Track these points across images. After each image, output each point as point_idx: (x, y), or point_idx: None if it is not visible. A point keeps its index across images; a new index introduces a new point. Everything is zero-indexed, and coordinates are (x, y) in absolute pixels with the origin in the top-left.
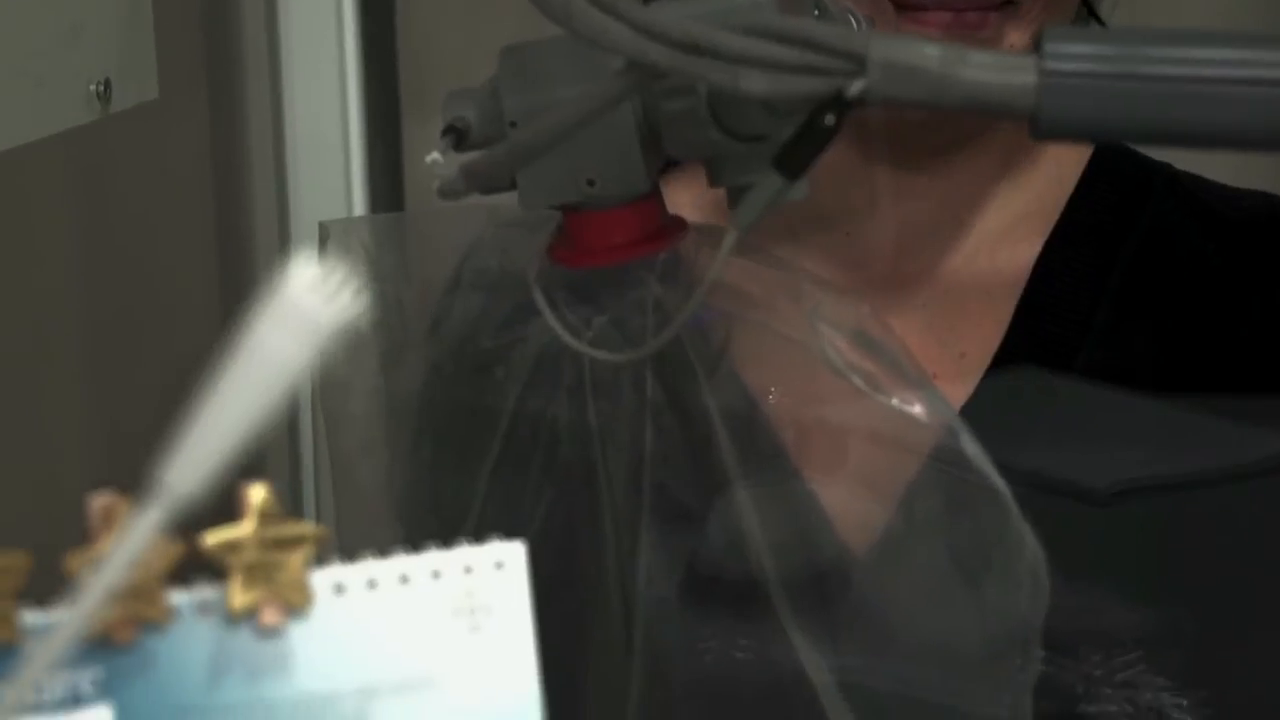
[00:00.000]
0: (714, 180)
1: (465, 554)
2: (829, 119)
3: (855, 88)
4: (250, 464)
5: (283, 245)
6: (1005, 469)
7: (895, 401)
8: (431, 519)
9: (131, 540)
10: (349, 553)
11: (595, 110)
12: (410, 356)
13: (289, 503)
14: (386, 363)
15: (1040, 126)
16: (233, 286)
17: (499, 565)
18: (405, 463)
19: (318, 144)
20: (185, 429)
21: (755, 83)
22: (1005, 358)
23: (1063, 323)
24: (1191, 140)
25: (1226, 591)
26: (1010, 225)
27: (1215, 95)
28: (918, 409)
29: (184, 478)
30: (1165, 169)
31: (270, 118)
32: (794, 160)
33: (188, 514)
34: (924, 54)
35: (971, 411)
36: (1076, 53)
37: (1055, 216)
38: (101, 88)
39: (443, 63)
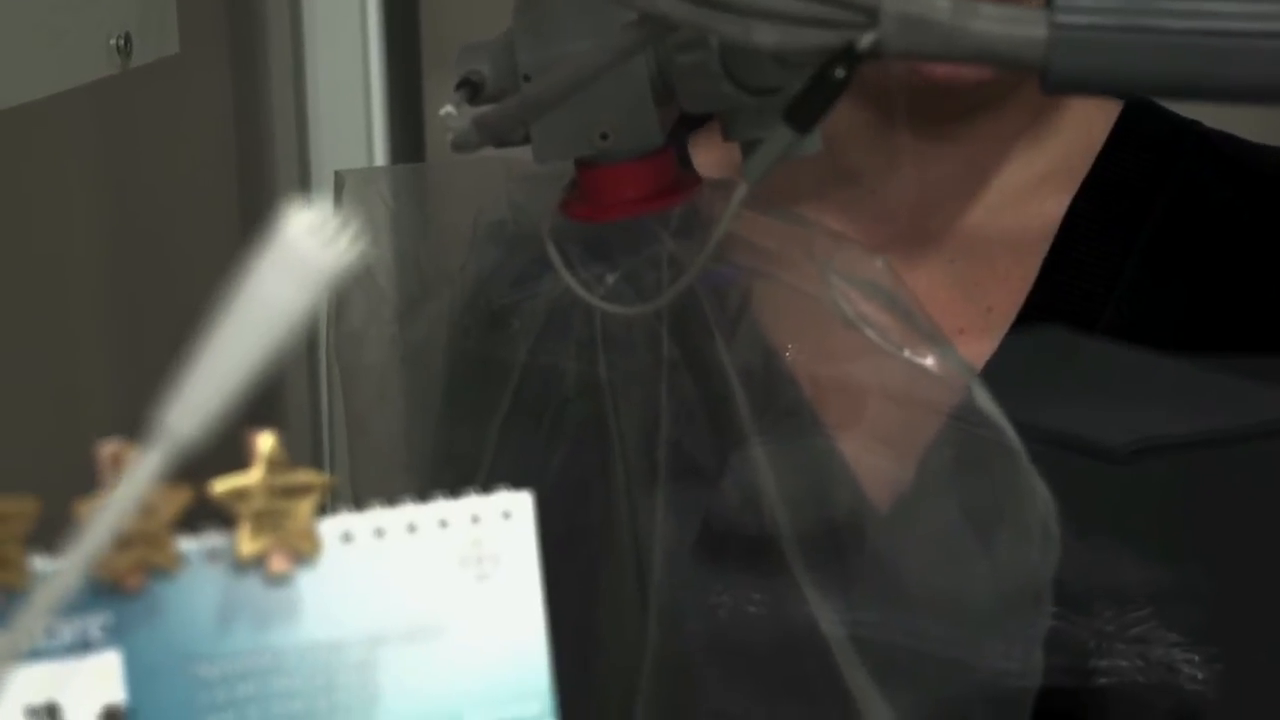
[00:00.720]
0: (728, 134)
1: (473, 503)
2: (840, 72)
3: (866, 40)
4: (270, 414)
5: (304, 199)
6: (1025, 426)
7: (908, 354)
8: (445, 470)
9: (133, 483)
10: (363, 503)
11: (607, 64)
12: (424, 309)
13: (310, 453)
14: (401, 314)
15: (1050, 80)
16: (255, 240)
17: (506, 515)
18: (419, 414)
19: (339, 98)
20: (186, 373)
21: (766, 35)
22: (1031, 313)
23: (1090, 278)
24: (1204, 93)
25: (1241, 549)
26: (1037, 181)
27: (1227, 48)
28: (930, 362)
29: (185, 421)
30: (1195, 126)
31: (291, 72)
32: (804, 113)
33: (195, 460)
34: (935, 6)
35: (995, 368)
36: (1087, 5)
37: (1083, 173)
38: (121, 42)
39: (464, 15)
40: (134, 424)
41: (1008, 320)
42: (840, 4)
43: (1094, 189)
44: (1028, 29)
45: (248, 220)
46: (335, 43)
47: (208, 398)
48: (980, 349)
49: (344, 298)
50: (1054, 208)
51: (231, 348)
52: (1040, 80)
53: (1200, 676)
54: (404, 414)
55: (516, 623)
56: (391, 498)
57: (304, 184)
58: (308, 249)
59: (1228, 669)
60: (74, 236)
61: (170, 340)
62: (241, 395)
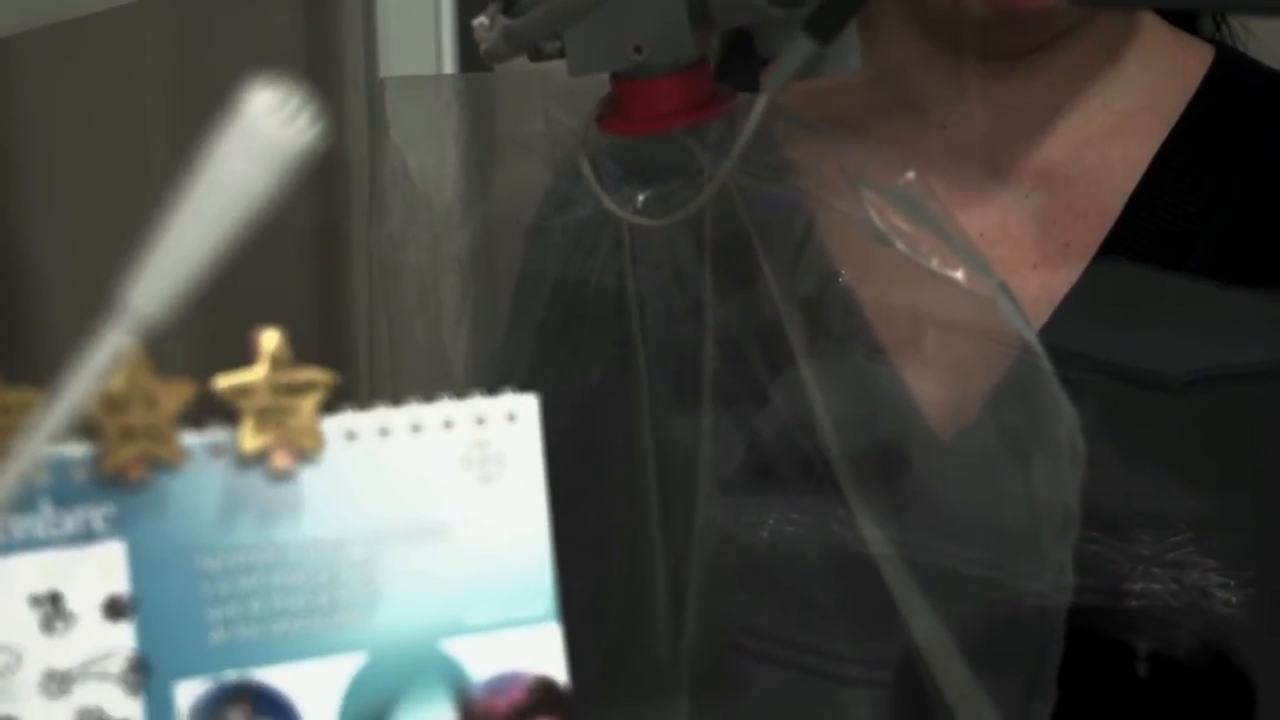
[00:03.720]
0: (760, 49)
1: (478, 405)
2: None
3: None
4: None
5: (373, 110)
6: (1086, 356)
7: (936, 265)
8: (481, 378)
9: (96, 358)
10: (403, 402)
11: None
12: (462, 217)
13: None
14: (440, 219)
15: None
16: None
17: (512, 417)
18: (457, 319)
19: (408, 7)
20: (148, 252)
21: None
22: (1111, 250)
23: (1176, 222)
24: (1230, 3)
25: None
26: (1120, 122)
27: None
28: (960, 274)
29: (147, 299)
30: None
31: None
32: (825, 24)
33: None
34: None
35: (1072, 302)
36: None
37: (1173, 117)
38: None
39: None
40: (191, 346)
41: (1085, 257)
42: None
43: (1186, 133)
44: None
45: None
46: None
47: (169, 276)
48: (1056, 284)
49: (383, 199)
50: (1138, 149)
51: (193, 227)
52: None
53: (1234, 601)
54: (443, 318)
55: (520, 525)
56: (431, 398)
57: (371, 94)
58: (269, 128)
59: (1261, 594)
60: (143, 146)
61: (234, 254)
62: (202, 273)
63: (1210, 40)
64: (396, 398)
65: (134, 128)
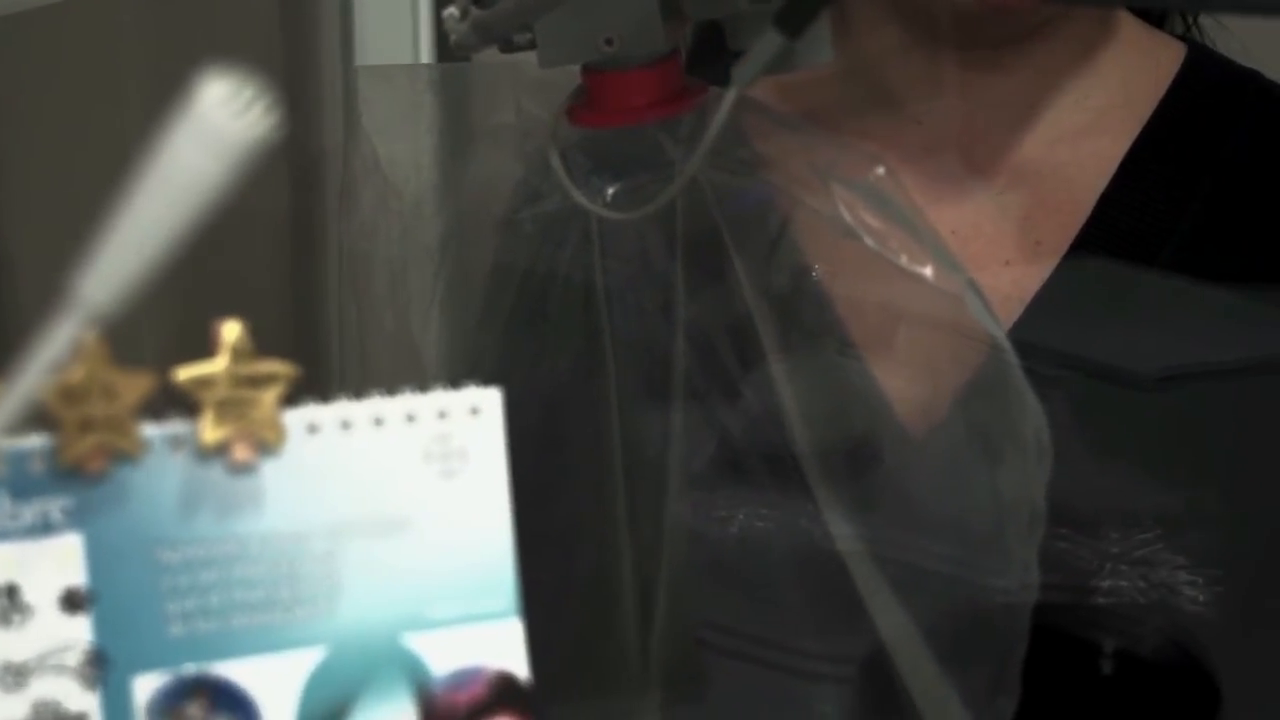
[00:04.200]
0: (732, 42)
1: (441, 398)
2: None
3: None
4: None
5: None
6: (1057, 352)
7: (905, 261)
8: (454, 368)
9: (48, 349)
10: (373, 392)
11: None
12: (432, 208)
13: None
14: (410, 210)
15: None
16: (297, 140)
17: (475, 411)
18: (427, 310)
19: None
20: (100, 242)
21: None
22: (1083, 247)
23: (1147, 219)
24: (1201, 2)
25: (1257, 477)
26: (1094, 119)
27: None
28: (929, 270)
29: (98, 289)
30: (1257, 76)
31: None
32: (795, 18)
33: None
34: None
35: (1044, 298)
36: None
37: (1145, 114)
38: None
39: None
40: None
41: (1057, 254)
42: None
43: (1158, 131)
44: None
45: (290, 121)
46: None
47: (122, 267)
48: (1028, 281)
49: (354, 189)
50: (1110, 146)
51: (145, 217)
52: None
53: (1201, 599)
54: (413, 308)
55: (482, 519)
56: (397, 390)
57: (349, 84)
58: (221, 119)
59: (1229, 592)
60: (118, 137)
61: (208, 237)
62: (155, 264)
63: (1182, 38)
64: (366, 388)
65: (108, 116)
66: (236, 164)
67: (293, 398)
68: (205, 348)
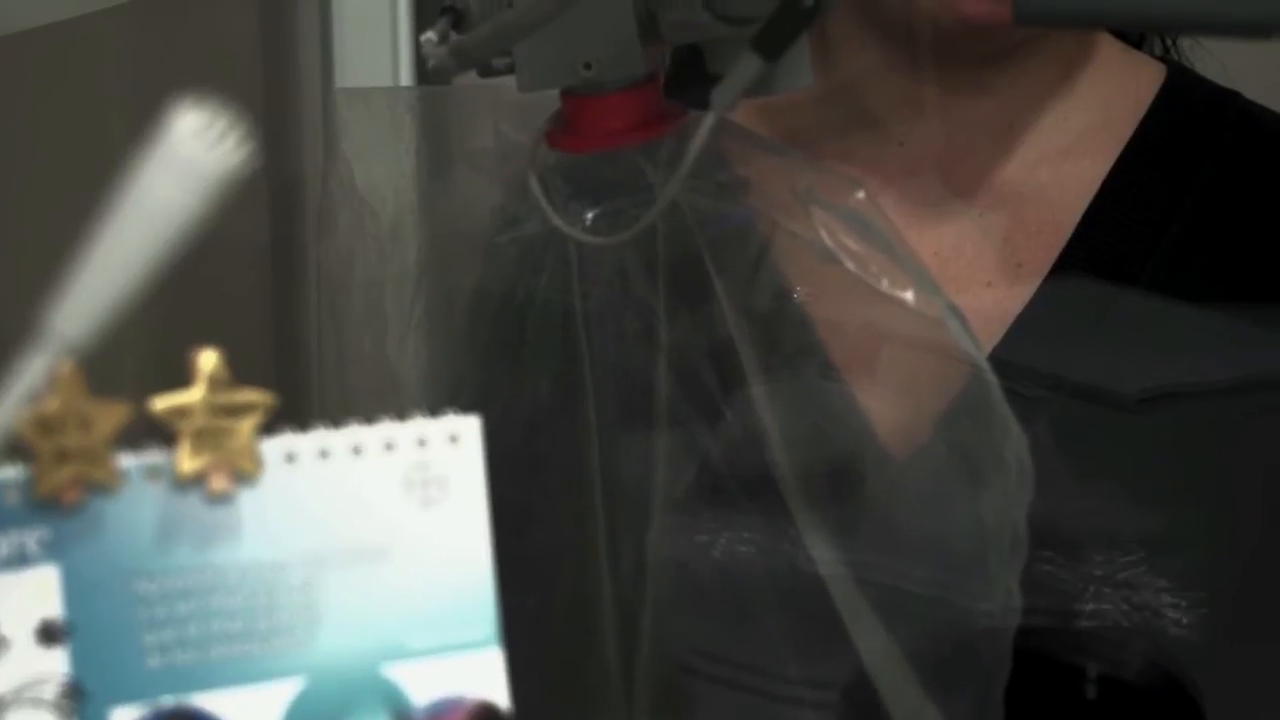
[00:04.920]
0: (711, 65)
1: (419, 426)
2: (809, 0)
3: None
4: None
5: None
6: (1039, 373)
7: (886, 285)
8: (434, 394)
9: (22, 382)
10: (349, 419)
11: None
12: (410, 233)
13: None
14: (387, 234)
15: (1022, 8)
16: (277, 168)
17: (454, 439)
18: (405, 336)
19: (365, 21)
20: (73, 275)
21: None
22: (1064, 269)
23: (1129, 240)
24: (1174, 26)
25: (1240, 498)
26: (1074, 140)
27: None
28: (909, 294)
29: (72, 323)
30: (1236, 97)
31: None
32: (772, 41)
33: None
34: None
35: (1027, 320)
36: None
37: (1126, 134)
38: None
39: None
40: (153, 369)
41: (1039, 275)
42: None
43: (1139, 151)
44: None
45: (271, 145)
46: None
47: (95, 300)
48: (1009, 303)
49: (332, 212)
50: (1091, 167)
51: (118, 250)
52: (1013, 9)
53: (1184, 621)
54: (390, 333)
55: (462, 548)
56: (380, 416)
57: (328, 108)
58: (194, 150)
59: (1212, 615)
60: (100, 161)
61: (190, 268)
62: (128, 297)
63: (1161, 59)
64: (345, 412)
65: (90, 140)
66: (210, 195)
67: (271, 425)
68: (183, 373)
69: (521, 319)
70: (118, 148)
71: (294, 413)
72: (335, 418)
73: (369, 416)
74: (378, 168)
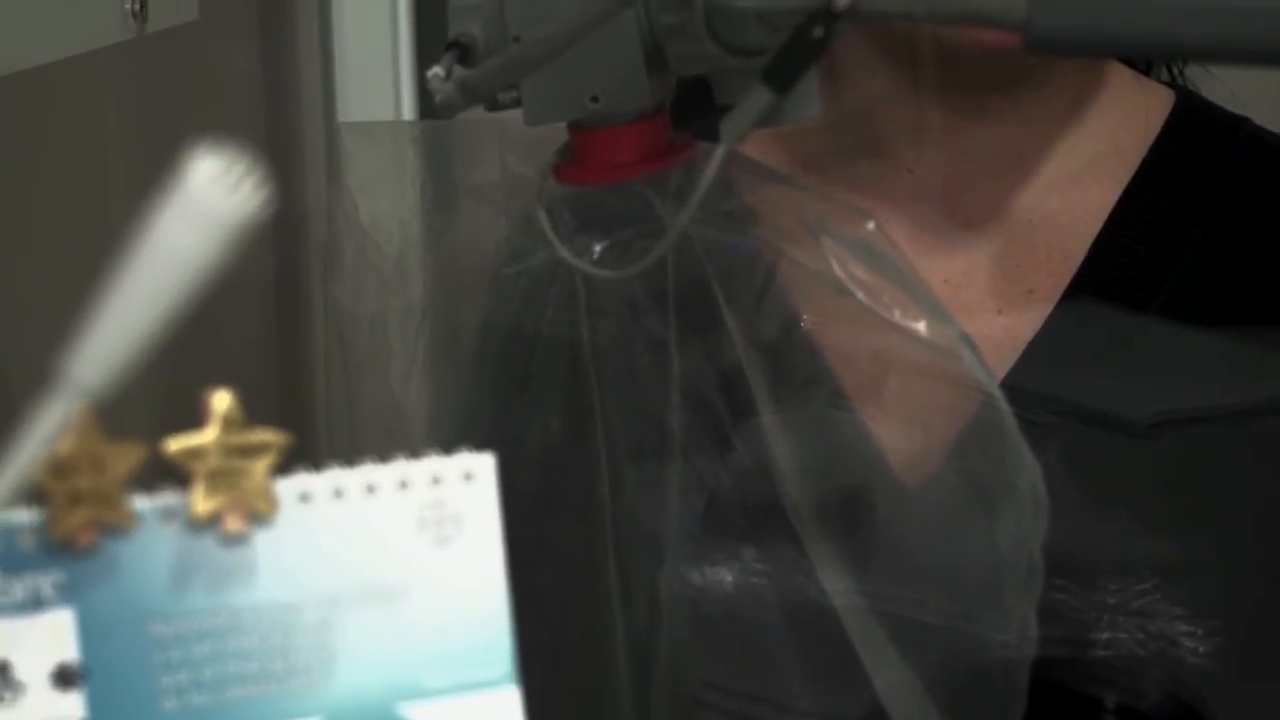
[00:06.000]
0: (719, 96)
1: (434, 465)
2: (818, 31)
3: (843, 0)
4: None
5: (332, 155)
6: (1050, 399)
7: (898, 316)
8: (442, 430)
9: (39, 431)
10: (367, 458)
11: (588, 25)
12: (416, 267)
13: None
14: (394, 268)
15: (1032, 39)
16: (281, 204)
17: (468, 477)
18: (412, 371)
19: (366, 62)
20: (90, 322)
21: None
22: (1075, 296)
23: (1139, 266)
24: (1184, 53)
25: (1253, 524)
26: (1084, 167)
27: (1210, 7)
28: (922, 325)
29: (89, 371)
30: (1246, 123)
31: (319, 35)
32: (782, 73)
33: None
34: None
35: (1038, 346)
36: None
37: (1135, 162)
38: (137, 6)
39: None
40: (159, 410)
41: (1050, 302)
42: None
43: (1148, 178)
44: None
45: (273, 180)
46: (362, 4)
47: (112, 348)
48: (1020, 330)
49: (337, 246)
50: (1100, 194)
51: (136, 297)
52: (1023, 39)
53: (1201, 650)
54: (396, 368)
55: (477, 586)
56: (390, 453)
57: (331, 149)
58: (211, 197)
59: (1229, 643)
60: (90, 200)
61: (193, 312)
62: (147, 344)
63: (1169, 84)
64: (353, 450)
65: (93, 177)
66: (227, 241)
67: (284, 464)
68: (190, 410)
69: (529, 352)
70: (121, 184)
71: (301, 447)
72: (344, 454)
73: (378, 452)
74: (382, 201)
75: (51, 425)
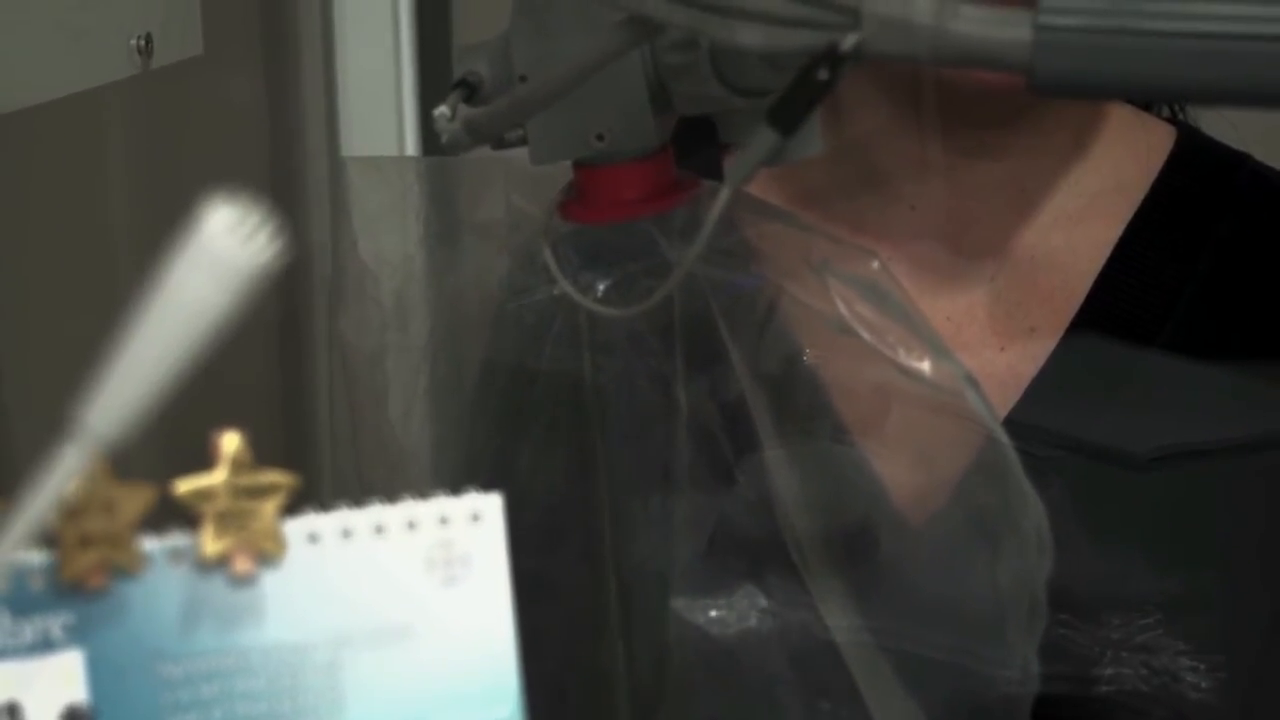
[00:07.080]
0: (723, 135)
1: (441, 505)
2: (823, 73)
3: (849, 42)
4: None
5: (336, 191)
6: (1053, 435)
7: (903, 356)
8: (445, 468)
9: (53, 480)
10: (371, 495)
11: (594, 65)
12: (420, 304)
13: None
14: (397, 306)
15: (1036, 82)
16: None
17: (476, 517)
18: (416, 409)
19: (370, 98)
20: (105, 371)
21: (751, 36)
22: (1078, 332)
23: (1142, 303)
24: (1190, 96)
25: (1255, 557)
26: (1086, 204)
27: (1214, 50)
28: (926, 364)
29: (104, 419)
30: (1247, 159)
31: (322, 71)
32: (787, 115)
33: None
34: (917, 8)
35: (1041, 382)
36: (1072, 6)
37: (1138, 198)
38: (142, 42)
39: (496, 11)
40: (160, 442)
41: (1052, 339)
42: (823, 5)
43: (1150, 215)
44: (1012, 31)
45: (277, 216)
46: (366, 41)
47: (127, 397)
48: (1022, 367)
49: (342, 283)
50: (1103, 230)
51: (151, 346)
52: (1027, 83)
53: (1204, 685)
54: (398, 405)
55: (485, 626)
56: (393, 490)
57: (335, 185)
58: (227, 246)
59: (1232, 679)
60: (96, 239)
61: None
62: (161, 394)
63: (1170, 120)
64: (357, 486)
65: (98, 213)
66: (242, 291)
67: (291, 506)
68: (195, 444)
69: (531, 388)
70: (126, 220)
71: (307, 486)
72: (348, 490)
73: (381, 488)
74: (386, 236)
75: (65, 475)
